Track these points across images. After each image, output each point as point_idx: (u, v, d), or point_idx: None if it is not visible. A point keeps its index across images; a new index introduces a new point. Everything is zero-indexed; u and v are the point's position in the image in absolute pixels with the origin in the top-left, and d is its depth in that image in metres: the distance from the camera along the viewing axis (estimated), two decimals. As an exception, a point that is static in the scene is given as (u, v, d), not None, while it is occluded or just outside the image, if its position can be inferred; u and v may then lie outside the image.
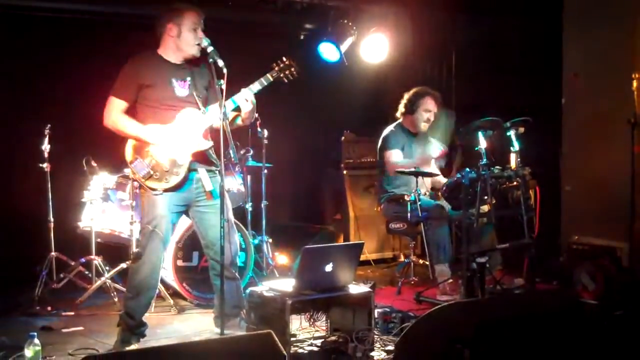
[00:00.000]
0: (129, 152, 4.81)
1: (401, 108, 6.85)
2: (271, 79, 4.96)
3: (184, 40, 4.83)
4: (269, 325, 4.28)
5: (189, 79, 4.89)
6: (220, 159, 4.61)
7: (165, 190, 4.78)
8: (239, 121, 5.04)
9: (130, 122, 4.79)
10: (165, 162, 4.78)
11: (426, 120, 6.75)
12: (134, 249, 5.15)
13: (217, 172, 4.98)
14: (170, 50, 4.89)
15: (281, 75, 5.00)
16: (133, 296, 4.84)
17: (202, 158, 4.92)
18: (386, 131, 6.86)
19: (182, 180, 4.83)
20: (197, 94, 4.88)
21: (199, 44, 4.79)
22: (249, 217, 6.71)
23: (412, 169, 6.35)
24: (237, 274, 5.04)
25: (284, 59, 5.04)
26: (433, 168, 6.87)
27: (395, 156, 6.68)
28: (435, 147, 6.84)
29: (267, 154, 6.77)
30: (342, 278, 4.79)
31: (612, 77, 6.29)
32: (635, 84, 5.96)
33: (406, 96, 6.82)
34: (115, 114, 4.78)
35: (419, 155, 6.67)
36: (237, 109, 4.95)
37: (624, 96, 6.04)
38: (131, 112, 4.84)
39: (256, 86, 4.91)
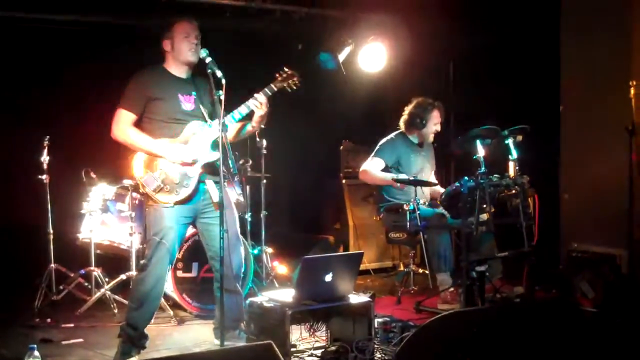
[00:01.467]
0: (138, 167, 4.81)
1: (406, 122, 6.80)
2: (275, 89, 5.01)
3: (177, 49, 4.88)
4: (269, 336, 4.27)
5: (194, 93, 4.94)
6: (220, 170, 4.60)
7: (176, 203, 4.80)
8: (247, 129, 5.10)
9: (141, 135, 4.80)
10: (175, 175, 4.80)
11: (435, 131, 6.79)
12: (141, 261, 5.15)
13: (224, 183, 5.02)
14: (172, 64, 4.95)
15: (284, 85, 5.05)
16: (137, 307, 4.83)
17: (208, 169, 4.94)
18: (385, 139, 6.86)
19: (192, 193, 4.85)
20: (204, 107, 4.93)
21: (192, 50, 4.83)
22: (249, 227, 6.71)
23: (411, 178, 6.35)
24: (239, 288, 5.04)
25: (286, 69, 5.09)
26: (431, 178, 6.88)
27: (373, 164, 6.69)
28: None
29: (266, 164, 6.78)
30: (341, 288, 4.79)
31: (610, 85, 6.31)
32: (632, 91, 5.97)
33: (410, 109, 6.78)
34: (125, 126, 4.79)
35: (394, 178, 6.62)
36: (243, 119, 4.99)
37: (622, 104, 6.05)
38: (136, 126, 4.85)
39: (261, 96, 4.94)
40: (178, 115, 4.87)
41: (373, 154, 6.78)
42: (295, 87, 5.09)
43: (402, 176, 6.48)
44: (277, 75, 5.06)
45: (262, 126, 5.14)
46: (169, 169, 4.79)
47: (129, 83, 4.87)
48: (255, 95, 4.94)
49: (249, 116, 5.01)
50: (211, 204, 4.94)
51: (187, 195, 4.83)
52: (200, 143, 4.87)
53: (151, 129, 4.84)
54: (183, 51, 4.86)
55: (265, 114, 4.97)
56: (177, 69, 4.95)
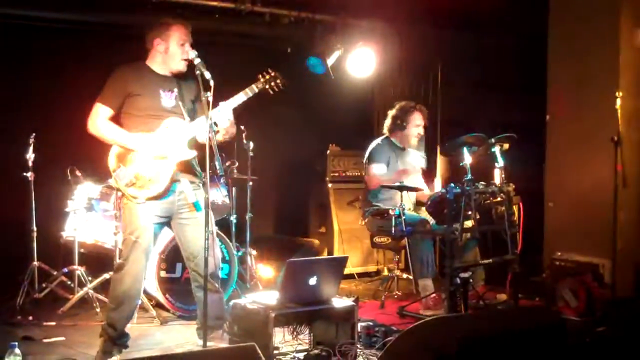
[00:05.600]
0: (112, 160, 4.80)
1: (389, 125, 6.85)
2: (256, 90, 4.95)
3: (170, 55, 4.86)
4: (252, 338, 4.27)
5: (175, 90, 4.90)
6: (206, 171, 4.55)
7: (147, 199, 4.77)
8: (218, 137, 5.04)
9: (114, 128, 4.78)
10: (147, 171, 4.77)
11: (417, 135, 6.79)
12: (117, 260, 5.12)
13: (200, 184, 4.99)
14: (157, 63, 4.91)
15: (267, 86, 4.99)
16: (115, 307, 4.81)
17: (185, 168, 4.91)
18: (372, 145, 6.88)
19: (164, 190, 4.81)
20: (184, 105, 4.89)
21: (185, 59, 4.82)
22: (234, 229, 6.70)
23: (397, 183, 6.35)
24: (219, 286, 5.03)
25: (270, 70, 5.03)
26: (419, 182, 6.89)
27: (377, 169, 6.70)
28: (420, 159, 6.91)
29: (252, 166, 6.77)
30: (325, 291, 4.79)
31: (596, 95, 6.34)
32: (618, 102, 6.01)
33: (392, 113, 6.85)
34: (100, 120, 4.77)
35: (399, 169, 6.65)
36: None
37: (608, 114, 6.08)
38: (116, 121, 4.83)
39: (241, 97, 4.89)
40: (156, 111, 4.83)
41: (369, 162, 6.75)
42: (278, 89, 5.02)
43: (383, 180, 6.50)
44: (260, 76, 5.00)
45: (232, 137, 5.05)
46: (141, 164, 4.76)
47: (109, 78, 4.85)
48: (221, 103, 4.82)
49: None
50: (186, 205, 4.91)
51: (158, 192, 4.79)
52: (175, 139, 4.83)
53: (129, 124, 4.82)
54: (176, 58, 4.84)
55: (228, 125, 4.84)
56: (160, 68, 4.91)
